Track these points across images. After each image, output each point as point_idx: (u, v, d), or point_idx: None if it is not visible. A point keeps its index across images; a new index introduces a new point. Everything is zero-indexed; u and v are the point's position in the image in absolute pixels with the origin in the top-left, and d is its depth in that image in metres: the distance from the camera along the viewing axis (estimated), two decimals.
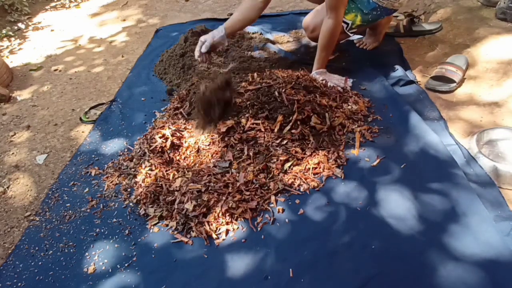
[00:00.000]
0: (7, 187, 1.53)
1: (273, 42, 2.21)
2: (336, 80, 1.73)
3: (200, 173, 1.36)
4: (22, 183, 1.54)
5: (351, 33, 1.80)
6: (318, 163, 1.35)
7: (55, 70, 2.39)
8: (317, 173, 1.33)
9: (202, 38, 1.76)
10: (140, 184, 1.38)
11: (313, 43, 2.14)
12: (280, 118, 1.41)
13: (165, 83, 2.01)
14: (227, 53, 2.12)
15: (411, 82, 1.73)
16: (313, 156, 1.37)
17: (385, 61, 1.90)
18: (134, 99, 1.95)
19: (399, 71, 1.77)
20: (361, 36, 2.08)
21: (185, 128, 1.57)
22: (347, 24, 1.74)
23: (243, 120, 1.42)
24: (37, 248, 1.26)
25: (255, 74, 1.61)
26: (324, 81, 1.69)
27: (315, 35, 1.79)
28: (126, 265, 1.16)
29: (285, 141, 1.39)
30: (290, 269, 1.06)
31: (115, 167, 1.52)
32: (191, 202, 1.24)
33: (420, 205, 1.17)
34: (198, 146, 1.45)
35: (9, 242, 1.30)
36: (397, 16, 2.11)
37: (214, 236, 1.19)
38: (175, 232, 1.22)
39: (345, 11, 1.66)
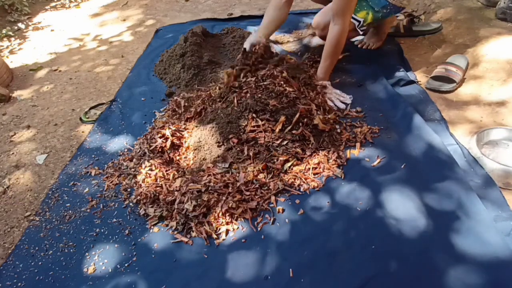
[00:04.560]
0: (7, 187, 1.53)
1: (274, 42, 2.21)
2: (335, 99, 1.64)
3: (200, 173, 1.36)
4: (22, 183, 1.54)
5: (362, 31, 1.80)
6: (318, 163, 1.35)
7: (55, 70, 2.39)
8: (317, 173, 1.33)
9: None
10: (140, 184, 1.38)
11: (313, 43, 2.15)
12: (282, 118, 1.41)
13: (165, 83, 2.01)
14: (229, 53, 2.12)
15: (411, 82, 1.73)
16: (313, 156, 1.37)
17: (385, 61, 1.90)
18: (134, 99, 1.95)
19: (399, 71, 1.77)
20: (362, 37, 2.08)
21: (185, 128, 1.57)
22: (359, 22, 1.74)
23: (244, 122, 1.42)
24: (37, 248, 1.25)
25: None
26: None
27: (326, 33, 1.76)
28: (126, 265, 1.16)
29: (285, 142, 1.39)
30: (290, 269, 1.06)
31: (115, 167, 1.51)
32: (191, 202, 1.24)
33: (420, 205, 1.17)
34: (198, 146, 1.45)
35: (9, 242, 1.30)
36: (397, 16, 2.11)
37: (214, 236, 1.19)
38: (175, 232, 1.22)
39: (356, 9, 1.66)
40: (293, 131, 1.41)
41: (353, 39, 2.06)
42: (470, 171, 1.28)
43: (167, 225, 1.25)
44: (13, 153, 1.71)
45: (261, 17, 2.57)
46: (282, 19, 1.83)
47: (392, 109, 1.58)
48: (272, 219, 1.21)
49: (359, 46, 2.06)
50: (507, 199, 1.17)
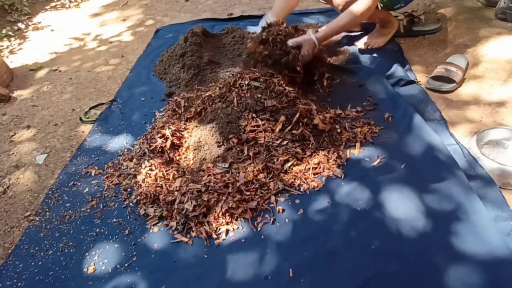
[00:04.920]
0: (7, 187, 1.53)
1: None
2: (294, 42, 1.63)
3: (200, 173, 1.36)
4: (22, 183, 1.54)
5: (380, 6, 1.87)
6: (318, 163, 1.34)
7: (55, 70, 2.39)
8: (317, 173, 1.33)
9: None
10: (140, 184, 1.38)
11: None
12: (282, 118, 1.41)
13: (165, 83, 2.01)
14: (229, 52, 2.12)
15: (411, 82, 1.73)
16: (313, 156, 1.37)
17: (385, 61, 1.90)
18: (134, 99, 1.95)
19: (399, 71, 1.77)
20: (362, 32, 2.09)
21: (185, 128, 1.57)
22: None
23: (244, 122, 1.42)
24: (37, 248, 1.26)
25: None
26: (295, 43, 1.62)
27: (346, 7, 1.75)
28: (126, 265, 1.16)
29: (285, 142, 1.39)
30: (290, 269, 1.06)
31: (115, 167, 1.51)
32: (191, 202, 1.24)
33: (420, 205, 1.17)
34: (198, 146, 1.45)
35: (9, 242, 1.30)
36: (397, 16, 2.11)
37: (214, 236, 1.19)
38: (175, 232, 1.22)
39: None
40: (293, 131, 1.41)
41: (358, 45, 2.06)
42: (470, 171, 1.28)
43: (167, 225, 1.25)
44: (13, 153, 1.71)
45: (261, 17, 2.59)
46: (295, 3, 1.84)
47: (392, 109, 1.58)
48: (272, 219, 1.21)
49: (364, 47, 2.05)
50: (507, 199, 1.17)
